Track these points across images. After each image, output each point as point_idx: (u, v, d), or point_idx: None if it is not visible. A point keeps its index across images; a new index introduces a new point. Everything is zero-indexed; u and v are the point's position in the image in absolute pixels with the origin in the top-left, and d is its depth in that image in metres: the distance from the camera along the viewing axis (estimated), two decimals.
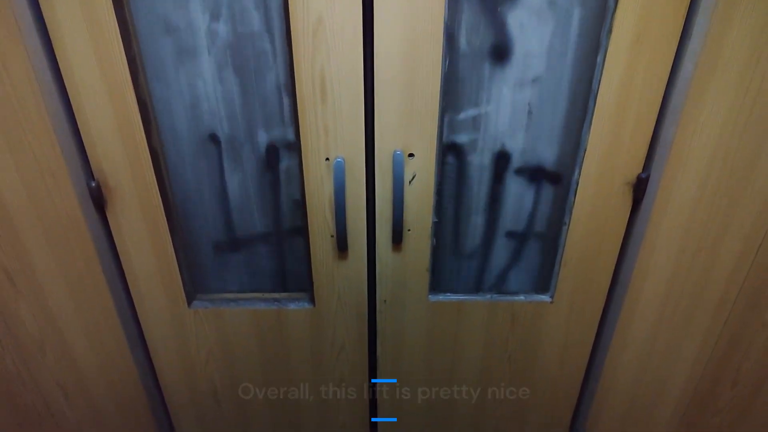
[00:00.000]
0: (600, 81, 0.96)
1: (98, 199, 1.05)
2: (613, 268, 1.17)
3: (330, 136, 1.01)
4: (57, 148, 0.98)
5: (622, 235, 1.13)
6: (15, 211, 1.04)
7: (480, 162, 1.08)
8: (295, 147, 1.06)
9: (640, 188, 1.05)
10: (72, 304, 1.17)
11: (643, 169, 1.04)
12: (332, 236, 1.12)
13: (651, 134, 1.01)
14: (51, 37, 0.90)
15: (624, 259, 1.15)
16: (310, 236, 1.12)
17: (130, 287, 1.19)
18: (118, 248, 1.13)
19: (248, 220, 1.15)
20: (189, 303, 1.22)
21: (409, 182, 1.06)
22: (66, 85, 0.95)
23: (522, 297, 1.22)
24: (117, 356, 1.27)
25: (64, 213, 1.05)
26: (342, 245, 1.11)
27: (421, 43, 0.92)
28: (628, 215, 1.10)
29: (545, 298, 1.22)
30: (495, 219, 1.14)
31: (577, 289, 1.20)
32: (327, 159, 1.03)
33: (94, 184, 1.03)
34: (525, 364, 1.33)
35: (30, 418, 1.34)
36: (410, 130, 1.01)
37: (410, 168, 1.05)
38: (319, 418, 1.44)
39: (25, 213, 1.04)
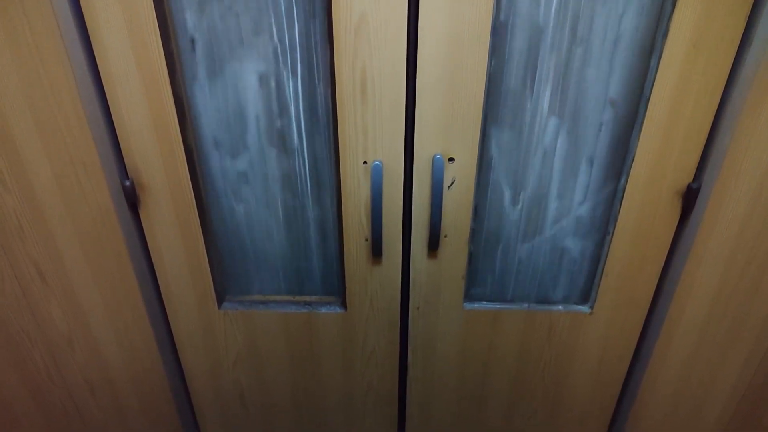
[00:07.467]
0: (653, 85, 0.92)
1: (131, 196, 1.04)
2: (657, 280, 1.13)
3: (369, 138, 0.98)
4: (91, 142, 0.96)
5: (668, 246, 1.08)
6: (47, 206, 1.03)
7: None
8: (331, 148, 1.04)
9: (689, 198, 1.01)
10: (102, 302, 1.16)
11: (694, 179, 1.00)
12: (367, 240, 1.10)
13: (704, 143, 0.96)
14: (88, 29, 0.88)
15: (668, 271, 1.11)
16: (344, 239, 1.10)
17: (161, 287, 1.18)
18: (149, 246, 1.12)
19: (281, 222, 1.13)
20: (219, 304, 1.20)
21: (448, 187, 1.03)
22: (102, 78, 0.93)
23: (560, 307, 1.18)
24: (145, 355, 1.26)
25: (96, 208, 1.04)
26: (377, 250, 1.08)
27: (467, 44, 0.89)
28: (675, 226, 1.05)
29: (584, 309, 1.18)
30: (535, 226, 1.10)
31: (618, 300, 1.15)
32: (365, 162, 1.00)
33: (128, 183, 1.02)
34: (560, 376, 1.29)
35: (56, 414, 1.34)
36: (451, 134, 0.97)
37: (449, 173, 1.02)
38: (346, 423, 1.42)
39: (57, 208, 1.03)
